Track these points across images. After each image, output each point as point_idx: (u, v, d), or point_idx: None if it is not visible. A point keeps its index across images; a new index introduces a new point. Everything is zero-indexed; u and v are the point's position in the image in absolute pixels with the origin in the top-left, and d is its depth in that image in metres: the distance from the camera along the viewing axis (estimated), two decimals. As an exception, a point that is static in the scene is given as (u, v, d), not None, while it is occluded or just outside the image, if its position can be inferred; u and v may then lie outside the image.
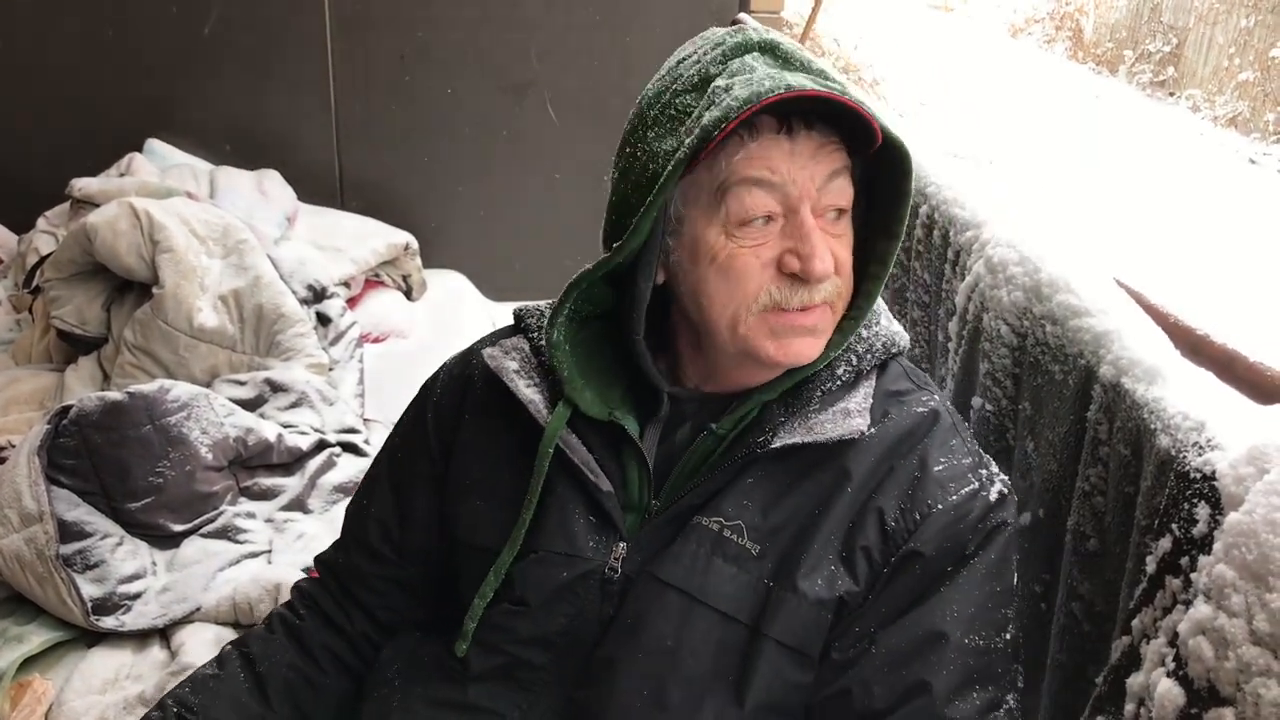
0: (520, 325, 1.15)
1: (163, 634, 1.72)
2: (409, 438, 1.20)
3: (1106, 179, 6.92)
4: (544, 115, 3.13)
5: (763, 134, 0.95)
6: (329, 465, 2.09)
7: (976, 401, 1.30)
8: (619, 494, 1.04)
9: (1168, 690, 0.82)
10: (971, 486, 1.01)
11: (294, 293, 2.33)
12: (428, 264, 3.04)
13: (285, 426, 2.09)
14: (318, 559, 1.26)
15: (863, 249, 1.03)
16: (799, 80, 0.92)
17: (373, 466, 1.24)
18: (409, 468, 1.18)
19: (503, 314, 3.09)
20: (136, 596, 1.74)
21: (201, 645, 1.66)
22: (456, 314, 2.94)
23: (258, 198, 2.74)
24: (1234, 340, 1.07)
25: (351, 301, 2.70)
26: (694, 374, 1.08)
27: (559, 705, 1.03)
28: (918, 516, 0.98)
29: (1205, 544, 0.83)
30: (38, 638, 1.65)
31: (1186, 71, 9.46)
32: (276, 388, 2.18)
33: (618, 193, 1.02)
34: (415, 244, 2.96)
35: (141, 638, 1.70)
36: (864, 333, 1.07)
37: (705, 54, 0.99)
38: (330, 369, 2.34)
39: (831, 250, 0.98)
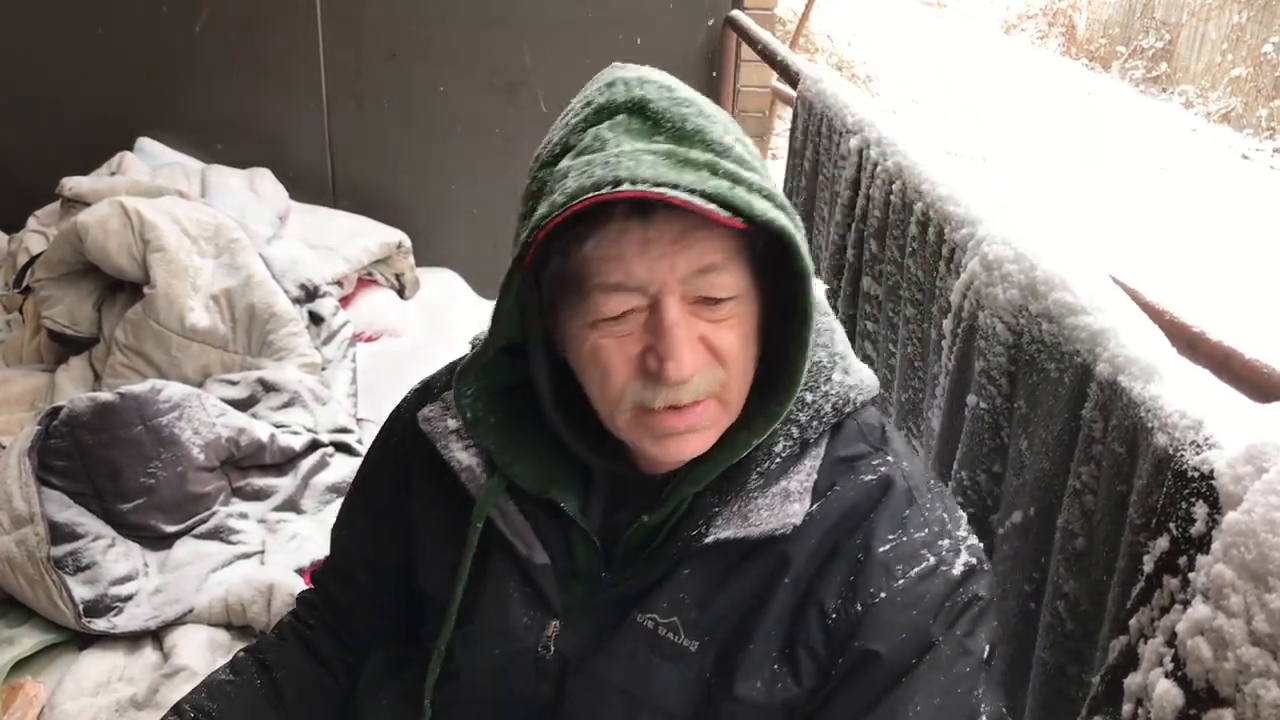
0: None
1: (155, 636, 1.71)
2: (377, 467, 1.15)
3: (1100, 176, 6.93)
4: (537, 113, 3.12)
5: (614, 219, 0.81)
6: (322, 465, 2.08)
7: (971, 399, 1.29)
8: (561, 564, 0.97)
9: (1166, 691, 0.82)
10: (926, 564, 0.89)
11: (286, 292, 2.32)
12: (420, 262, 3.03)
13: (278, 426, 2.08)
14: (314, 575, 1.24)
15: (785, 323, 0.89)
16: (645, 167, 0.79)
17: (349, 491, 1.20)
18: (379, 496, 1.14)
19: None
20: (128, 598, 1.73)
21: (194, 647, 1.65)
22: (449, 312, 2.93)
23: (249, 196, 2.73)
24: (1231, 337, 1.06)
25: (344, 300, 2.69)
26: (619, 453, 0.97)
27: None
28: (859, 608, 0.88)
29: (1203, 543, 0.83)
30: (29, 640, 1.64)
31: (1179, 67, 9.48)
32: (269, 387, 2.17)
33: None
34: (408, 242, 2.95)
35: (133, 639, 1.69)
36: (808, 397, 0.94)
37: (576, 114, 0.88)
38: (323, 368, 2.33)
39: (707, 340, 0.85)
